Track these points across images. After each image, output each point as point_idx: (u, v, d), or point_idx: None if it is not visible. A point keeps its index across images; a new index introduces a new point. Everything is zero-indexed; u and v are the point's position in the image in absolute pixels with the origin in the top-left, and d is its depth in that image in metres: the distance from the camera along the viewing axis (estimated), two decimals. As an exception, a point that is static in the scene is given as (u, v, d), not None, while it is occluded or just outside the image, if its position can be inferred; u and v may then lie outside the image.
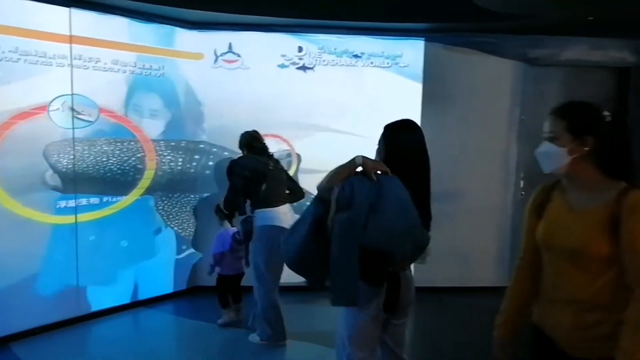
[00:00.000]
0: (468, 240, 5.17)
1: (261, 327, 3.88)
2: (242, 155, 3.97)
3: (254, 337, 3.92)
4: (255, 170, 3.79)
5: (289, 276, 4.76)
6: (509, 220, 5.27)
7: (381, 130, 2.40)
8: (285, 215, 3.85)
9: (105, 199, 4.28)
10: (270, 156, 3.99)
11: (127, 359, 3.67)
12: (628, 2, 3.78)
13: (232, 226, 4.28)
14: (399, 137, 2.34)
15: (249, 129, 3.88)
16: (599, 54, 5.16)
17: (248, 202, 3.91)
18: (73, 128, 4.01)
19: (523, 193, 5.22)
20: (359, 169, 2.18)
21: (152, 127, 4.57)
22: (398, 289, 2.28)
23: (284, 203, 3.90)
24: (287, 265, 2.29)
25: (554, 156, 1.70)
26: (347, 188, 2.13)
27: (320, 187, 2.20)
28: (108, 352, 3.77)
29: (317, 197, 2.21)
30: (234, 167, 3.82)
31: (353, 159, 2.18)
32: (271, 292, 3.82)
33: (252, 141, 3.94)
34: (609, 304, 1.62)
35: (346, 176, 2.16)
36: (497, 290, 5.23)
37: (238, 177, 3.76)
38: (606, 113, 1.66)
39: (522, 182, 5.23)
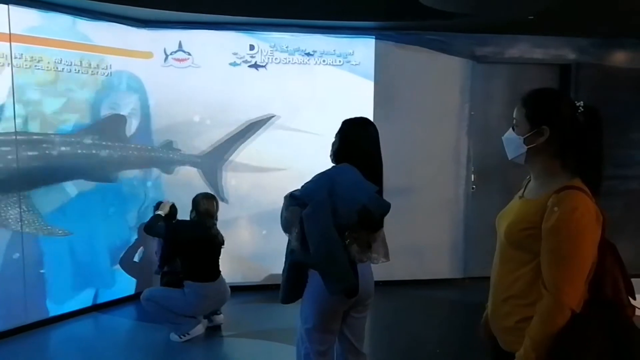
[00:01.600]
0: (422, 234, 5.27)
1: (170, 326, 3.89)
2: (190, 218, 4.02)
3: (174, 337, 3.90)
4: (196, 239, 3.86)
5: (249, 276, 4.79)
6: (461, 213, 5.41)
7: (334, 128, 2.48)
8: (218, 291, 3.95)
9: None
10: (213, 218, 3.98)
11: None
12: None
13: None
14: (353, 131, 2.43)
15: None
16: (541, 52, 5.37)
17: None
18: (15, 131, 3.85)
19: (474, 187, 5.38)
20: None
21: (100, 126, 4.43)
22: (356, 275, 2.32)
23: (219, 275, 3.98)
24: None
25: (512, 143, 1.65)
26: (297, 191, 2.28)
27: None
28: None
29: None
30: (177, 228, 3.95)
31: None
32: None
33: (199, 202, 3.95)
34: (520, 297, 1.58)
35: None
36: (451, 282, 5.41)
37: (176, 243, 3.88)
38: (579, 104, 1.57)
39: (473, 176, 5.39)
